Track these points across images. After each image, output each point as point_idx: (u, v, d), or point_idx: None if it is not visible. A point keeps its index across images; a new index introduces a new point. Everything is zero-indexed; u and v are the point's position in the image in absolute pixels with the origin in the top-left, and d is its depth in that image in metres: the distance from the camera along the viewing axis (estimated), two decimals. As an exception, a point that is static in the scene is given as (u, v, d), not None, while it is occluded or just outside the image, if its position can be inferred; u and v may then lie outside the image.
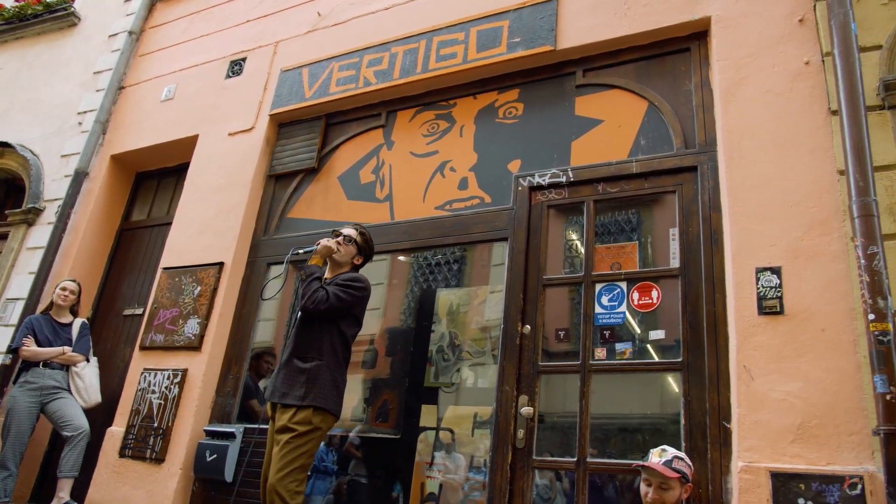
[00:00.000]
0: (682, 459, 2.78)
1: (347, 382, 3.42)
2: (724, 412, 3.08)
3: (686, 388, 3.22)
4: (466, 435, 3.93)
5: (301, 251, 3.63)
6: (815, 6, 3.54)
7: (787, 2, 3.64)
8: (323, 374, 3.25)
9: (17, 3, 7.95)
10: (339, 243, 3.54)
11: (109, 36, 7.06)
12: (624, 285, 3.63)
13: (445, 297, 4.38)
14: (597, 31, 4.18)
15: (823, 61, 3.41)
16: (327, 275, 3.53)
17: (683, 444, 3.12)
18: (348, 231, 3.62)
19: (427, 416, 4.09)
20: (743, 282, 3.16)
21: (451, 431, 4.00)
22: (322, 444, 4.17)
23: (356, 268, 3.62)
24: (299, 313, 3.40)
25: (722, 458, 3.02)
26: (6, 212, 6.56)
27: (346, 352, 3.41)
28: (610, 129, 4.03)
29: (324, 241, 3.50)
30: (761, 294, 3.10)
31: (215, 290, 4.80)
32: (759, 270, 3.15)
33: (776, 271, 3.12)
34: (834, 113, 3.25)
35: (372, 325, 4.59)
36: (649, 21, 4.04)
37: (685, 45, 4.01)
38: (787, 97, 3.43)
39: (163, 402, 4.62)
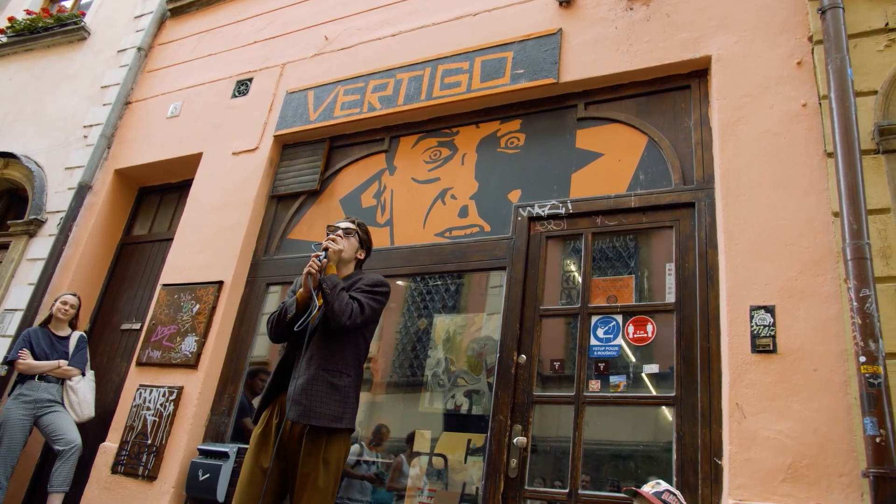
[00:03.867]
0: (673, 494, 2.79)
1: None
2: (716, 449, 3.11)
3: (679, 423, 3.25)
4: (459, 462, 3.94)
5: (322, 257, 3.08)
6: (813, 50, 3.62)
7: (786, 44, 3.72)
8: (352, 392, 3.02)
9: (28, 16, 8.05)
10: (340, 237, 3.23)
11: (118, 51, 7.15)
12: (620, 318, 3.66)
13: (442, 323, 4.41)
14: (599, 66, 4.25)
15: (820, 104, 3.47)
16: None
17: (675, 478, 3.14)
18: (346, 224, 3.36)
19: (420, 441, 4.10)
20: (737, 319, 3.20)
21: (445, 458, 4.00)
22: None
23: (360, 263, 3.41)
24: (310, 323, 3.05)
25: (713, 495, 3.04)
26: (8, 222, 6.61)
27: (363, 362, 3.19)
28: (610, 163, 4.09)
29: (331, 246, 3.12)
30: (755, 332, 3.14)
31: (214, 308, 4.83)
32: (754, 308, 3.18)
33: (770, 310, 3.15)
34: (829, 155, 3.31)
35: (372, 346, 4.60)
36: (651, 57, 4.11)
37: (686, 82, 4.08)
38: (785, 138, 3.50)
39: (157, 419, 4.62)
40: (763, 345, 3.10)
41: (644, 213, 3.82)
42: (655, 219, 3.78)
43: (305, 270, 3.06)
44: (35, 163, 6.75)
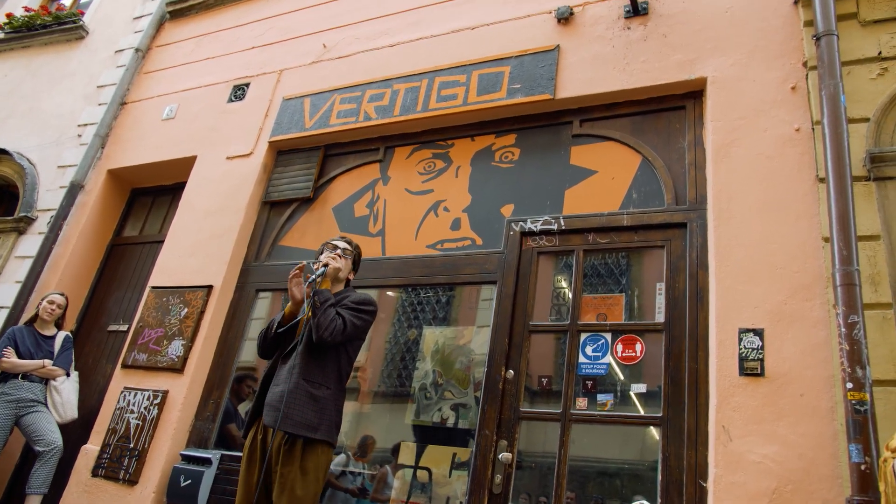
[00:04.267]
0: (656, 516, 2.79)
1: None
2: (702, 471, 3.10)
3: (665, 444, 3.24)
4: (444, 476, 3.91)
5: (313, 277, 3.10)
6: (807, 75, 3.64)
7: (781, 69, 3.75)
8: (330, 405, 3.05)
9: (26, 13, 8.03)
10: (340, 256, 3.33)
11: (116, 51, 7.13)
12: (609, 336, 3.66)
13: (431, 335, 4.39)
14: (595, 84, 4.27)
15: (813, 129, 3.50)
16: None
17: (660, 500, 3.13)
18: (345, 245, 3.44)
19: (405, 453, 4.07)
20: (726, 341, 3.20)
21: (429, 471, 3.98)
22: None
23: (348, 282, 3.46)
24: (298, 333, 3.17)
25: (696, 518, 3.03)
26: (-3, 218, 6.56)
27: (347, 377, 3.22)
28: (603, 181, 4.10)
29: (333, 263, 3.22)
30: (743, 355, 3.14)
31: (202, 312, 4.79)
32: (743, 331, 3.19)
33: (759, 333, 3.16)
34: (821, 180, 3.33)
35: (360, 356, 4.58)
36: (647, 77, 4.14)
37: (681, 102, 4.10)
38: (778, 161, 3.52)
39: (141, 422, 4.58)
40: (751, 368, 3.10)
41: (636, 232, 3.82)
42: (647, 238, 3.79)
43: (292, 274, 3.13)
44: (27, 160, 6.72)
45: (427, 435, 4.08)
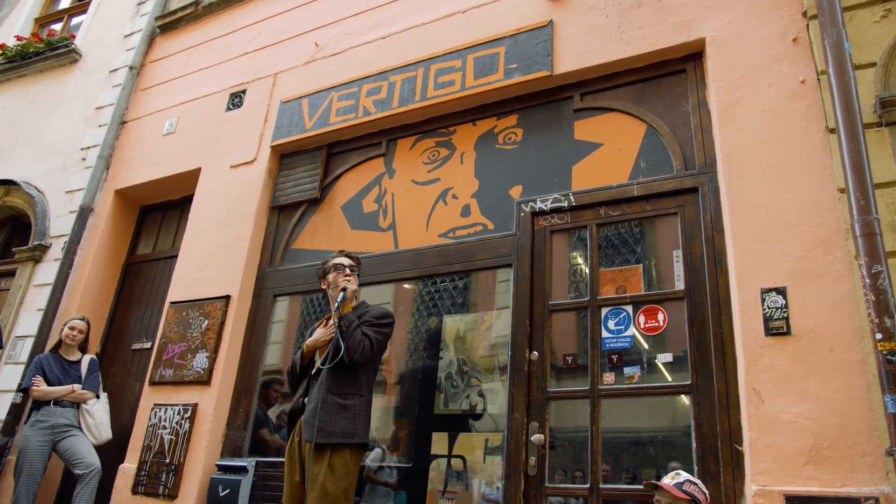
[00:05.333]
0: (694, 484, 2.77)
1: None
2: (736, 435, 3.08)
3: (696, 412, 3.23)
4: (478, 462, 3.92)
5: (337, 304, 3.37)
6: (808, 25, 3.57)
7: (779, 22, 3.68)
8: (363, 410, 3.32)
9: (18, 42, 8.05)
10: (351, 276, 3.56)
11: (110, 71, 7.13)
12: (630, 308, 3.64)
13: (452, 324, 4.39)
14: (592, 56, 4.22)
15: (819, 80, 3.43)
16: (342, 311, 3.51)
17: (696, 467, 3.12)
18: (350, 262, 3.62)
19: (438, 443, 4.08)
20: (748, 303, 3.17)
21: (463, 458, 3.99)
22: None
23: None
24: (323, 356, 3.38)
25: (735, 482, 3.02)
26: (13, 249, 6.61)
27: (373, 384, 3.51)
28: (609, 153, 4.06)
29: (350, 287, 3.46)
30: (767, 315, 3.11)
31: (223, 323, 4.82)
32: (765, 291, 3.15)
33: (781, 292, 3.12)
34: (832, 131, 3.27)
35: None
36: (644, 44, 4.08)
37: (681, 66, 4.04)
38: (785, 116, 3.46)
39: (174, 437, 4.63)
40: (776, 327, 3.07)
41: (647, 202, 3.79)
42: (659, 206, 3.75)
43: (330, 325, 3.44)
44: (35, 188, 6.76)
45: (457, 423, 4.09)
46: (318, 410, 3.21)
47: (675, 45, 3.98)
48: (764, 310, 3.12)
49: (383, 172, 4.93)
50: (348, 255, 3.67)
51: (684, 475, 2.78)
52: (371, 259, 4.58)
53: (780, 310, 3.09)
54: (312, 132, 5.18)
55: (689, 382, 3.30)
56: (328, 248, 4.83)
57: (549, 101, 4.42)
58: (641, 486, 3.18)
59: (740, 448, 3.04)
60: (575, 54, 4.29)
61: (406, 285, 4.57)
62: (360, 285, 4.52)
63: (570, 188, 4.07)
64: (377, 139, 5.03)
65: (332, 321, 3.40)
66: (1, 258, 7.01)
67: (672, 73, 4.07)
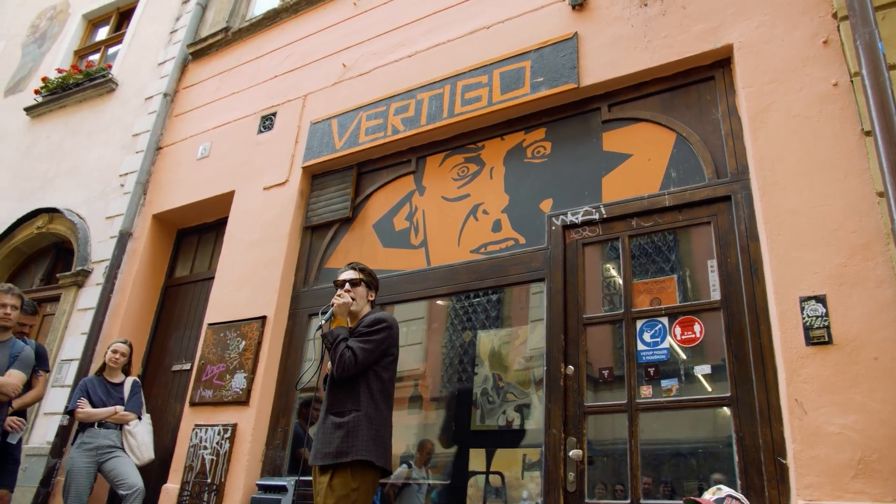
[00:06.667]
0: (737, 500, 2.71)
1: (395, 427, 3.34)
2: (779, 447, 3.02)
3: (737, 424, 3.17)
4: (516, 478, 3.90)
5: (323, 321, 3.35)
6: (838, 27, 3.51)
7: (809, 24, 3.62)
8: (361, 425, 3.08)
9: (59, 75, 8.32)
10: (347, 292, 3.41)
11: (145, 99, 7.33)
12: (665, 320, 3.60)
13: (486, 339, 4.38)
14: (619, 66, 4.20)
15: (852, 82, 3.37)
16: (350, 324, 3.41)
17: (739, 481, 3.06)
18: (349, 275, 3.48)
19: (476, 460, 4.07)
20: (787, 312, 3.11)
21: (501, 475, 3.97)
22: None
23: (373, 304, 3.55)
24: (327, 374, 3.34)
25: (780, 496, 2.95)
26: (57, 275, 6.81)
27: (385, 394, 3.25)
28: (639, 163, 4.03)
29: (337, 301, 3.34)
30: (807, 324, 3.04)
31: (259, 343, 4.89)
32: (804, 300, 3.09)
33: (821, 300, 3.06)
34: (867, 134, 3.20)
35: (414, 369, 4.61)
36: (671, 52, 4.05)
37: (709, 73, 4.00)
38: (818, 120, 3.40)
39: (215, 457, 4.70)
40: (817, 336, 3.01)
41: (680, 211, 3.75)
42: (692, 216, 3.71)
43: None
44: (77, 215, 6.96)
45: (494, 439, 4.08)
46: (317, 432, 3.21)
47: (703, 52, 3.94)
48: (804, 318, 3.06)
49: (414, 190, 4.96)
50: (353, 267, 3.53)
51: (726, 490, 2.73)
52: (403, 277, 4.60)
53: (820, 318, 3.03)
54: (342, 152, 5.24)
55: (728, 394, 3.25)
56: (361, 267, 4.88)
57: (577, 114, 4.41)
58: (682, 502, 3.13)
59: (784, 461, 2.97)
60: (601, 65, 4.28)
61: (439, 301, 4.58)
62: (394, 303, 4.58)
63: (600, 200, 4.05)
64: (407, 157, 5.08)
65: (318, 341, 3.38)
66: (46, 284, 7.23)
67: (700, 80, 4.03)
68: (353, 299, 3.38)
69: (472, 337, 4.40)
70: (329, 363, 3.23)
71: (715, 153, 3.79)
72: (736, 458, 3.12)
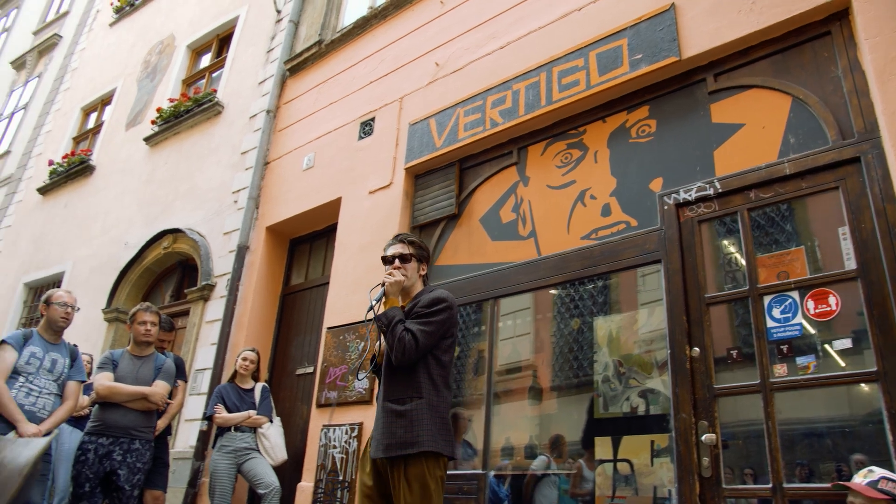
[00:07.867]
0: (891, 481, 2.55)
1: (513, 419, 3.19)
2: (938, 422, 2.80)
3: (887, 400, 2.96)
4: (646, 465, 3.82)
5: (374, 301, 2.95)
6: (972, -38, 3.22)
7: (937, -37, 3.34)
8: (424, 413, 2.84)
9: (171, 104, 8.87)
10: (398, 268, 3.06)
11: (250, 117, 7.69)
12: (795, 294, 3.41)
13: (602, 325, 4.32)
14: (722, 33, 4.02)
15: None
16: (402, 302, 3.06)
17: (894, 462, 2.87)
18: (397, 249, 3.13)
19: (601, 448, 4.02)
20: (936, 276, 2.88)
21: (630, 462, 3.90)
22: (493, 477, 4.24)
23: (425, 279, 3.22)
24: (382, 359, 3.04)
25: (943, 474, 2.74)
26: (185, 291, 7.28)
27: (445, 380, 2.99)
28: (753, 132, 3.85)
29: (388, 280, 2.99)
30: (962, 287, 2.81)
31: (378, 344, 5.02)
32: (955, 262, 2.86)
33: (975, 260, 2.82)
34: None
35: (531, 359, 4.60)
36: (779, 12, 3.83)
37: (824, 28, 3.76)
38: (956, 66, 3.13)
39: (344, 455, 4.87)
40: (974, 300, 2.77)
41: (802, 179, 3.54)
42: (816, 182, 3.50)
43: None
44: (198, 233, 7.40)
45: (620, 426, 4.01)
46: (377, 422, 2.92)
47: (816, 6, 3.71)
48: (957, 282, 2.83)
49: (518, 181, 4.95)
50: (402, 240, 3.18)
51: (879, 472, 2.57)
52: (514, 268, 4.60)
53: (976, 281, 2.79)
54: (443, 150, 5.30)
55: (875, 368, 3.04)
56: (470, 262, 4.93)
57: (681, 87, 4.26)
58: (828, 486, 2.97)
59: (946, 437, 2.76)
60: (703, 34, 4.11)
61: (552, 290, 4.55)
62: (505, 295, 4.59)
63: (713, 175, 3.89)
64: (507, 149, 5.07)
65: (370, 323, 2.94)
66: (176, 299, 7.74)
67: (815, 37, 3.79)
68: (404, 276, 3.04)
69: (580, 324, 4.34)
70: (379, 346, 2.98)
71: (837, 113, 3.56)
72: (890, 438, 2.92)
